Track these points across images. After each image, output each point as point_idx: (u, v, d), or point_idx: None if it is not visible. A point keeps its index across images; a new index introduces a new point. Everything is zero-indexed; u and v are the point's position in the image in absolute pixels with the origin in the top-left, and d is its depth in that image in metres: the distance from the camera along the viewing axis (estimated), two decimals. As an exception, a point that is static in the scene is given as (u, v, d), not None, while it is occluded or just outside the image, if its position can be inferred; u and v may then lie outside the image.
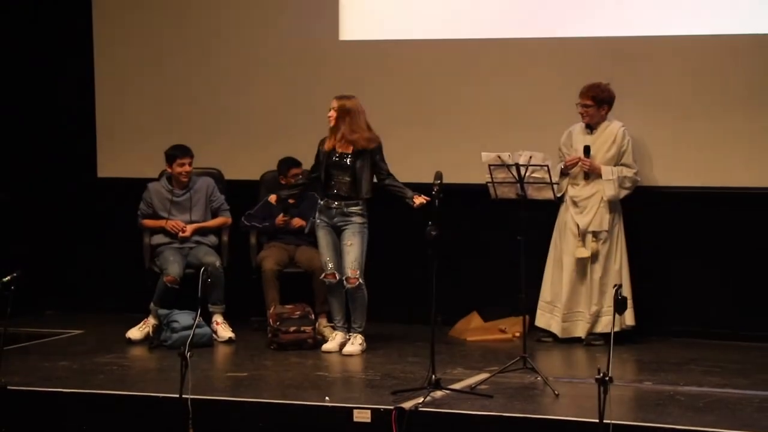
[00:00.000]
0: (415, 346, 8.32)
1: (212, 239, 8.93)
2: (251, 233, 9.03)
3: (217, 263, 8.68)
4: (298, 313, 8.46)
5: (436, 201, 7.10)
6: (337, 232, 8.24)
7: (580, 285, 8.53)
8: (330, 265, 8.23)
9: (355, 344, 8.20)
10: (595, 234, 8.47)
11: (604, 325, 8.41)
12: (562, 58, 8.91)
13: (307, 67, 9.42)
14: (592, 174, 8.49)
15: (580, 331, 8.53)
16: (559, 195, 8.33)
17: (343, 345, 8.25)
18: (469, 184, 8.51)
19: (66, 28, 9.95)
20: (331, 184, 8.24)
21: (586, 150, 8.47)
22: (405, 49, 9.23)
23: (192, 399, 6.31)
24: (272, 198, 8.51)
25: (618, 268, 8.49)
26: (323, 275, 8.29)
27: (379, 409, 6.56)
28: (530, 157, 7.44)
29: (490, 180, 7.61)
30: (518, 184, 7.49)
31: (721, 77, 8.64)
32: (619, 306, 6.04)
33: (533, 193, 7.52)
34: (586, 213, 8.50)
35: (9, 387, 7.04)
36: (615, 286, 6.13)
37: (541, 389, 7.10)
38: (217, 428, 6.74)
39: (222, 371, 7.88)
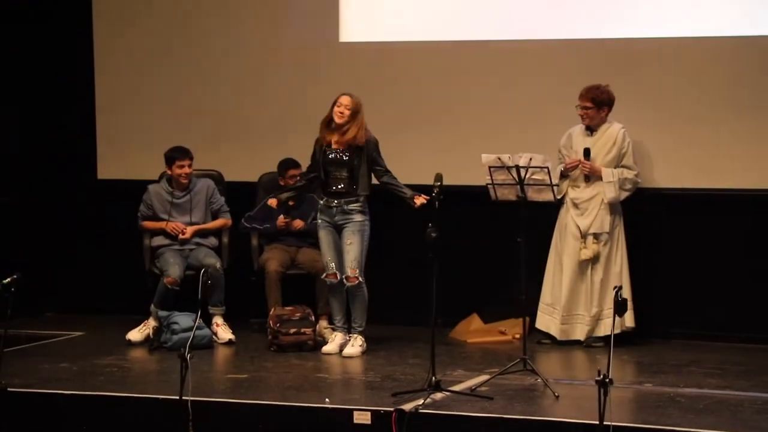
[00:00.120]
0: (415, 347, 8.32)
1: (212, 241, 8.93)
2: (252, 235, 9.03)
3: (218, 265, 8.68)
4: (298, 314, 8.47)
5: (436, 202, 7.10)
6: (339, 230, 8.24)
7: (580, 287, 8.52)
8: (332, 265, 8.23)
9: (355, 346, 8.20)
10: (596, 236, 8.47)
11: (604, 329, 8.41)
12: (562, 59, 8.91)
13: (308, 68, 9.42)
14: (592, 176, 8.49)
15: (579, 334, 8.53)
16: (559, 197, 8.34)
17: (343, 346, 8.25)
18: (469, 185, 8.51)
19: (66, 29, 9.95)
20: (329, 181, 8.24)
21: (587, 153, 8.48)
22: (405, 50, 9.24)
23: (192, 401, 6.31)
24: (272, 202, 8.50)
25: (619, 270, 8.49)
26: (325, 275, 8.29)
27: (380, 410, 6.56)
28: (530, 159, 7.44)
29: (490, 182, 7.61)
30: (518, 186, 7.49)
31: (721, 79, 8.64)
32: (620, 308, 6.03)
33: (533, 194, 7.52)
34: (586, 215, 8.50)
35: (9, 389, 7.04)
36: (615, 287, 6.13)
37: (541, 391, 7.10)
38: (218, 430, 6.73)
39: (222, 373, 7.88)
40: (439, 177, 7.18)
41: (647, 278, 8.69)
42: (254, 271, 8.95)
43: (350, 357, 8.13)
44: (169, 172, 8.87)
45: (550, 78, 8.92)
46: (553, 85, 8.88)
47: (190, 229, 8.82)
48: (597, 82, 8.48)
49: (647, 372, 7.72)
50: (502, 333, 8.83)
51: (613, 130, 8.53)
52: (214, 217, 8.98)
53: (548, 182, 7.46)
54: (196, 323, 6.88)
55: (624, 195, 8.52)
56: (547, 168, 7.44)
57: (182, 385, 6.21)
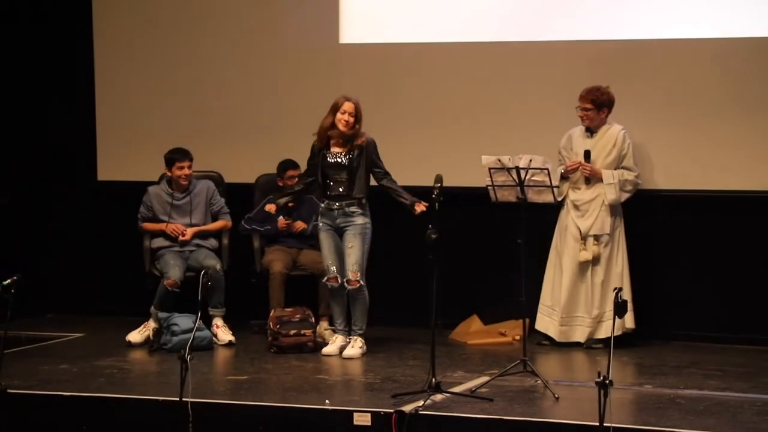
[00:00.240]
0: (415, 349, 8.32)
1: (212, 242, 8.93)
2: (254, 237, 9.02)
3: (218, 266, 8.68)
4: (298, 316, 8.47)
5: (437, 204, 7.09)
6: (340, 233, 8.23)
7: (580, 289, 8.52)
8: (333, 269, 8.22)
9: (355, 348, 8.20)
10: (597, 237, 8.47)
11: (605, 330, 8.40)
12: (562, 61, 8.91)
13: (308, 70, 9.42)
14: (593, 178, 8.49)
15: (579, 336, 8.52)
16: (560, 199, 8.34)
17: (343, 348, 8.25)
18: (470, 187, 8.52)
19: (66, 30, 9.95)
20: (329, 185, 8.23)
21: (587, 155, 8.47)
22: (405, 52, 9.24)
23: (192, 402, 6.30)
24: (270, 208, 8.49)
25: (620, 271, 8.49)
26: (325, 279, 8.28)
27: (380, 412, 6.56)
28: (530, 161, 7.44)
29: (490, 183, 7.61)
30: (518, 188, 7.49)
31: (722, 81, 8.64)
32: (620, 309, 6.03)
33: (533, 196, 7.52)
34: (587, 216, 8.50)
35: (9, 390, 7.03)
36: (615, 289, 6.13)
37: (541, 392, 7.10)
38: (218, 431, 6.73)
39: (222, 374, 7.87)
40: (439, 178, 7.18)
41: (647, 279, 8.69)
42: (256, 272, 8.94)
43: (350, 359, 8.13)
44: (168, 174, 8.87)
45: (551, 79, 8.92)
46: (554, 87, 8.88)
47: (190, 231, 8.82)
48: (597, 84, 8.48)
49: (647, 373, 7.72)
50: (502, 334, 8.82)
51: (613, 132, 8.53)
52: (214, 219, 8.98)
53: (548, 184, 7.46)
54: (196, 325, 6.87)
55: (625, 196, 8.52)
56: (547, 169, 7.44)
57: (182, 386, 6.21)
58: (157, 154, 8.98)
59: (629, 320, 8.40)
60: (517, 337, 8.59)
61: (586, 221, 8.50)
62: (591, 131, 8.56)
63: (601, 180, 8.47)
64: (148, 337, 8.62)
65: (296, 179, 8.79)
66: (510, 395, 6.99)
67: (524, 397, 6.98)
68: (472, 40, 9.09)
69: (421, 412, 6.54)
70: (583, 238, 8.47)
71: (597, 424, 5.72)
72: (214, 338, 8.61)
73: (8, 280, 6.76)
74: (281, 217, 8.83)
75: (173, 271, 8.59)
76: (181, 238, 8.78)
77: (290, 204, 8.70)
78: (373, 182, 8.29)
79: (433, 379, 6.85)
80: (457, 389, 7.07)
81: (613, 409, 5.78)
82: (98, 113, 9.94)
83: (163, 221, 8.84)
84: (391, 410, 6.55)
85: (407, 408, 6.58)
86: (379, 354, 8.27)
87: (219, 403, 6.87)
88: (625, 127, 8.53)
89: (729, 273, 8.73)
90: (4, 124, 9.82)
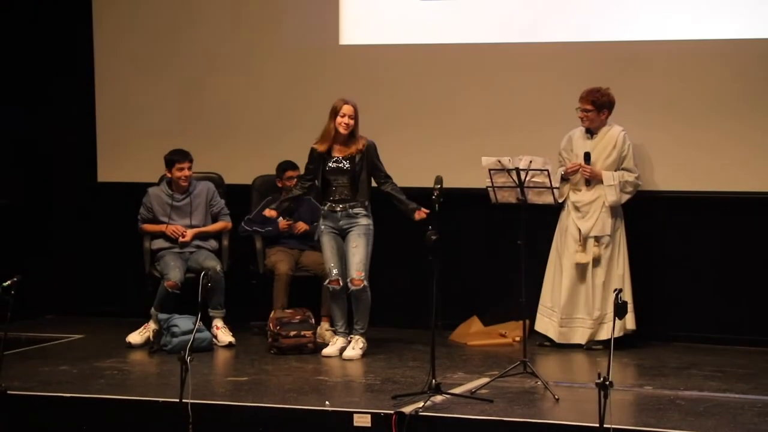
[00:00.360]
0: (415, 350, 8.32)
1: (213, 244, 8.93)
2: (256, 238, 9.01)
3: (218, 268, 8.68)
4: (298, 317, 8.46)
5: (437, 205, 7.09)
6: (343, 235, 8.22)
7: (580, 290, 8.52)
8: (335, 272, 8.21)
9: (356, 349, 8.19)
10: (597, 239, 8.47)
11: (606, 332, 8.39)
12: (562, 62, 8.91)
13: (308, 71, 9.42)
14: (593, 180, 8.49)
15: (579, 337, 8.52)
16: (560, 200, 8.34)
17: (343, 350, 8.25)
18: (470, 188, 8.52)
19: (66, 31, 9.95)
20: (331, 189, 8.22)
21: (587, 157, 8.47)
22: (405, 53, 9.24)
23: (192, 403, 6.31)
24: (271, 213, 8.48)
25: (621, 273, 8.49)
26: (327, 281, 8.27)
27: (380, 413, 6.56)
28: (530, 162, 7.44)
29: (490, 184, 7.60)
30: (518, 189, 7.49)
31: (722, 82, 8.64)
32: (620, 310, 6.03)
33: (533, 197, 7.52)
34: (588, 218, 8.50)
35: (9, 392, 7.03)
36: (615, 290, 6.12)
37: (541, 394, 7.10)
38: (217, 432, 6.75)
39: (222, 376, 7.87)
40: (439, 179, 7.18)
41: (648, 280, 8.69)
42: (258, 273, 8.93)
43: (350, 360, 8.13)
44: (168, 175, 8.87)
45: (551, 81, 8.93)
46: (554, 88, 8.88)
47: (190, 232, 8.82)
48: (597, 85, 8.48)
49: (647, 375, 7.72)
50: (503, 336, 8.82)
51: (613, 133, 8.53)
52: (214, 220, 8.98)
53: (548, 185, 7.45)
54: (196, 326, 6.87)
55: (625, 198, 8.52)
56: (547, 171, 7.43)
57: (182, 387, 6.21)
58: (157, 156, 8.98)
59: (630, 321, 8.40)
60: (517, 339, 8.59)
61: (586, 223, 8.49)
62: (591, 132, 8.56)
63: (601, 181, 8.47)
64: (148, 338, 8.62)
65: (295, 180, 8.79)
66: (510, 396, 6.98)
67: (524, 398, 6.98)
68: (472, 42, 9.09)
69: (421, 414, 6.54)
70: (583, 239, 8.47)
71: (597, 425, 5.72)
72: (214, 339, 8.60)
73: (8, 281, 6.77)
74: (281, 218, 8.83)
75: (173, 272, 8.59)
76: (181, 239, 8.78)
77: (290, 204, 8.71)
78: (374, 183, 8.28)
79: (433, 381, 6.85)
80: (457, 390, 7.07)
81: (613, 411, 5.78)
82: (98, 114, 9.94)
83: (163, 222, 8.84)
84: (391, 411, 6.54)
85: (407, 409, 6.57)
86: (379, 355, 8.26)
87: (219, 405, 6.86)
88: (625, 129, 8.53)
89: (729, 274, 8.73)
90: (3, 125, 9.81)
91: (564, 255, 8.55)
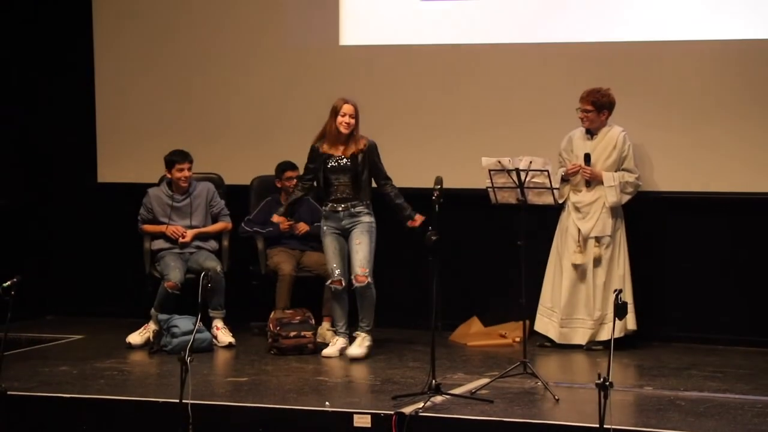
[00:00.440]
0: (415, 350, 8.32)
1: (213, 244, 8.93)
2: (257, 238, 9.01)
3: (218, 268, 8.68)
4: (298, 318, 8.46)
5: (437, 206, 7.09)
6: (346, 234, 8.20)
7: (580, 291, 8.52)
8: (337, 272, 8.20)
9: (362, 347, 8.15)
10: (598, 239, 8.47)
11: (607, 333, 8.39)
12: (562, 63, 8.91)
13: (308, 72, 9.42)
14: (593, 181, 8.49)
15: (580, 338, 8.52)
16: (560, 201, 8.34)
17: (343, 350, 8.24)
18: (470, 188, 8.52)
19: (66, 31, 9.95)
20: (333, 189, 8.21)
21: (587, 158, 8.47)
22: (405, 54, 9.23)
23: (192, 404, 6.31)
24: (281, 220, 8.47)
25: (622, 273, 8.49)
26: (329, 281, 8.26)
27: (380, 414, 6.56)
28: (530, 162, 7.44)
29: (490, 185, 7.60)
30: (518, 189, 7.49)
31: (723, 82, 8.64)
32: (620, 311, 6.03)
33: (533, 198, 7.52)
34: (588, 218, 8.50)
35: (9, 392, 7.02)
36: (615, 291, 6.12)
37: (541, 394, 7.10)
38: (217, 433, 6.75)
39: (222, 376, 7.87)
40: (439, 180, 7.18)
41: (648, 281, 8.69)
42: (260, 274, 8.92)
43: (355, 357, 8.09)
44: (168, 176, 8.87)
45: (551, 81, 8.92)
46: (554, 88, 8.88)
47: (190, 233, 8.82)
48: (598, 85, 8.48)
49: (648, 375, 7.72)
50: (503, 336, 8.82)
51: (613, 134, 8.53)
52: (215, 221, 8.97)
53: (548, 185, 7.45)
54: (196, 326, 6.87)
55: (625, 198, 8.52)
56: (547, 171, 7.44)
57: (182, 388, 6.20)
58: (157, 156, 8.98)
59: (631, 322, 8.40)
60: (517, 339, 8.59)
61: (587, 223, 8.49)
62: (591, 133, 8.56)
63: (601, 182, 8.47)
64: (149, 338, 8.62)
65: (294, 180, 8.80)
66: (510, 397, 6.98)
67: (524, 398, 6.98)
68: (471, 42, 9.09)
69: (421, 414, 6.54)
70: (584, 240, 8.47)
71: (597, 425, 5.71)
72: (214, 340, 8.60)
73: (8, 282, 6.76)
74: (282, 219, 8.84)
75: (173, 273, 8.59)
76: (181, 240, 8.78)
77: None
78: (373, 184, 8.28)
79: (433, 381, 6.85)
80: (457, 391, 7.07)
81: (614, 411, 5.78)
82: (98, 114, 9.94)
83: (163, 223, 8.84)
84: (391, 412, 6.54)
85: (407, 410, 6.57)
86: (380, 356, 8.26)
87: (219, 405, 6.86)
88: (625, 129, 8.53)
89: (730, 274, 8.73)
90: (3, 126, 9.81)
91: (564, 256, 8.55)
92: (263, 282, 8.91)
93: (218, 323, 8.71)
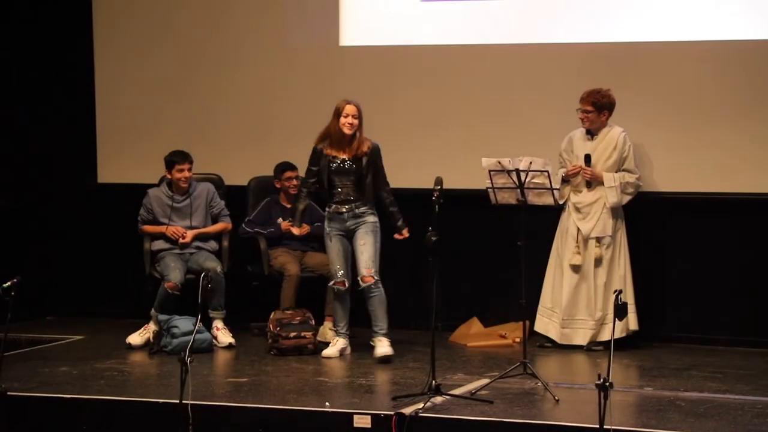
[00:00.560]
0: (415, 351, 8.31)
1: (213, 245, 8.92)
2: (259, 239, 9.00)
3: (218, 269, 8.68)
4: (298, 318, 8.46)
5: (437, 206, 7.09)
6: (350, 235, 8.19)
7: (581, 291, 8.51)
8: (340, 273, 8.18)
9: (385, 346, 8.05)
10: (599, 240, 8.47)
11: (608, 333, 8.37)
12: (563, 63, 8.91)
13: (308, 72, 9.42)
14: (594, 181, 8.49)
15: (580, 338, 8.52)
16: (561, 202, 8.34)
17: (343, 351, 8.24)
18: (470, 189, 8.52)
19: (66, 31, 9.95)
20: (336, 191, 8.20)
21: (587, 159, 8.47)
22: (405, 55, 9.23)
23: (192, 404, 6.31)
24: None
25: (622, 274, 8.49)
26: (333, 282, 8.25)
27: (380, 414, 6.56)
28: (530, 163, 7.44)
29: (490, 185, 7.60)
30: (518, 190, 7.49)
31: (724, 82, 8.64)
32: (620, 311, 6.03)
33: (533, 198, 7.52)
34: (589, 219, 8.50)
35: (9, 393, 7.02)
36: (615, 291, 6.12)
37: (541, 395, 7.10)
38: (217, 434, 6.75)
39: (222, 377, 7.87)
40: (439, 180, 7.18)
41: (648, 281, 8.69)
42: (262, 275, 8.91)
43: (386, 356, 8.00)
44: (168, 176, 8.87)
45: (551, 82, 8.92)
46: (554, 89, 8.88)
47: (190, 233, 8.82)
48: (598, 86, 8.48)
49: (648, 375, 7.72)
50: (503, 337, 8.82)
51: (613, 134, 8.52)
52: (214, 221, 8.97)
53: (548, 186, 7.45)
54: (196, 327, 6.87)
55: (626, 199, 8.52)
56: (547, 171, 7.44)
57: (182, 388, 6.21)
58: (158, 157, 8.98)
59: (632, 322, 8.40)
60: (517, 340, 8.59)
61: (587, 224, 8.49)
62: (592, 134, 8.56)
63: (602, 183, 8.47)
64: (149, 339, 8.62)
65: (294, 180, 8.80)
66: (510, 397, 6.98)
67: (524, 399, 6.98)
68: (471, 43, 9.09)
69: (421, 415, 6.53)
70: (584, 240, 8.47)
71: (597, 426, 5.71)
72: (214, 340, 8.60)
73: (8, 283, 6.76)
74: (281, 219, 8.83)
75: (173, 273, 8.58)
76: (181, 240, 8.78)
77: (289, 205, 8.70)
78: (373, 184, 8.30)
79: (433, 382, 6.85)
80: (457, 391, 7.07)
81: (614, 412, 5.78)
82: (98, 115, 9.94)
83: (163, 224, 8.83)
84: (391, 412, 6.54)
85: (407, 410, 6.57)
86: (380, 356, 8.26)
87: (219, 406, 6.86)
88: (625, 130, 8.53)
89: (730, 275, 8.73)
90: (3, 126, 9.81)
91: (565, 256, 8.55)
92: (265, 282, 8.90)
93: (218, 324, 8.71)
